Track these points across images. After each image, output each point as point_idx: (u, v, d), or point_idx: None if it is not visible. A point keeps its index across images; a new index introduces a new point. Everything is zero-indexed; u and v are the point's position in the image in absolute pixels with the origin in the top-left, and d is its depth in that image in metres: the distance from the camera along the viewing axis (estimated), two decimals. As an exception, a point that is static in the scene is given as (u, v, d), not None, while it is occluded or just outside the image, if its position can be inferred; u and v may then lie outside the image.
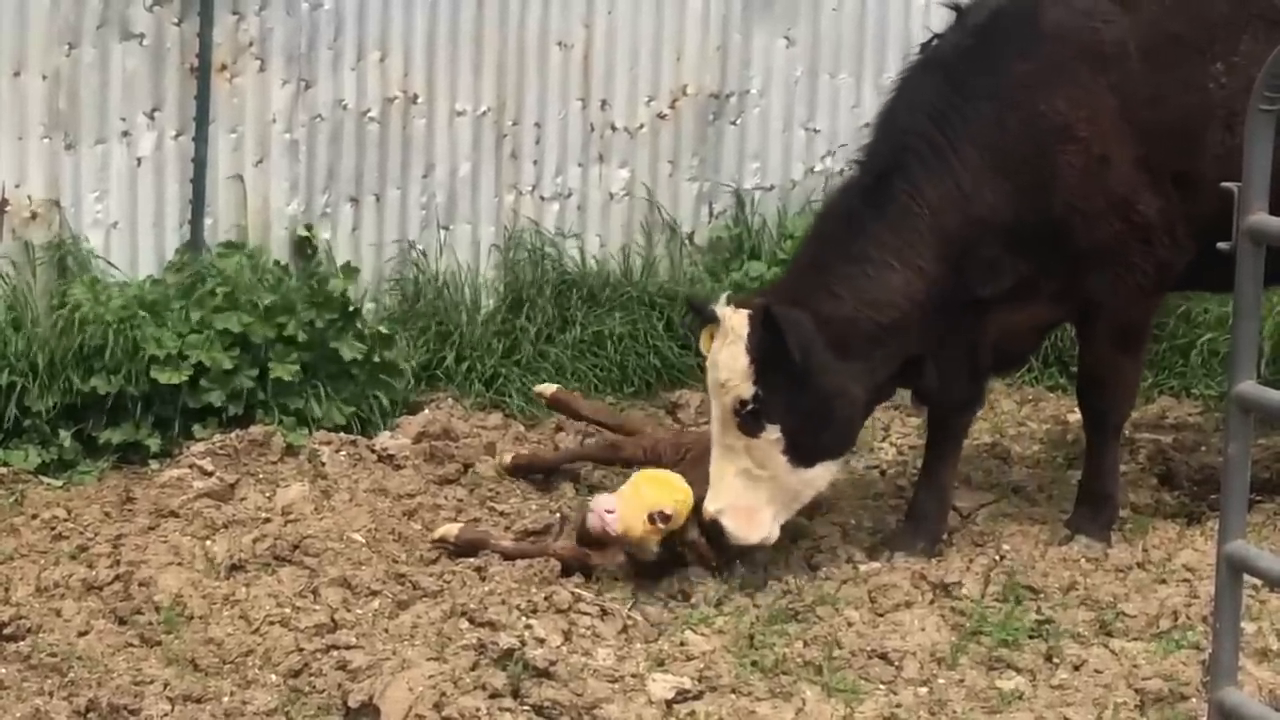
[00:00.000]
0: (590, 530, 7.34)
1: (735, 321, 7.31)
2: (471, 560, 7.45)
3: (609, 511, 7.25)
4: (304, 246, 9.34)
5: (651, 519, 7.23)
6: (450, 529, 7.63)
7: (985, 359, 7.74)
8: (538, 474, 8.38)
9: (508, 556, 7.41)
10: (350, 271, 9.24)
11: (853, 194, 7.63)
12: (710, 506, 7.29)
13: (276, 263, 9.08)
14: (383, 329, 9.00)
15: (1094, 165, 7.50)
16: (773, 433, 7.28)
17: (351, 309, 8.86)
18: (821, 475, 7.45)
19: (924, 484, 7.88)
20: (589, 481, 8.32)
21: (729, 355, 7.28)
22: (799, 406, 7.27)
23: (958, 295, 7.49)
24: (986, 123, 7.48)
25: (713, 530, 7.29)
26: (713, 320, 7.39)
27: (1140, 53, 7.57)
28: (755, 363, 7.23)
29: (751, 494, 7.31)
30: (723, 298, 7.48)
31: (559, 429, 8.95)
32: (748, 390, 7.24)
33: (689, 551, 7.36)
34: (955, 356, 7.65)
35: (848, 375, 7.34)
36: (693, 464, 7.81)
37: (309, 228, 9.34)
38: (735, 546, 7.32)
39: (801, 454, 7.32)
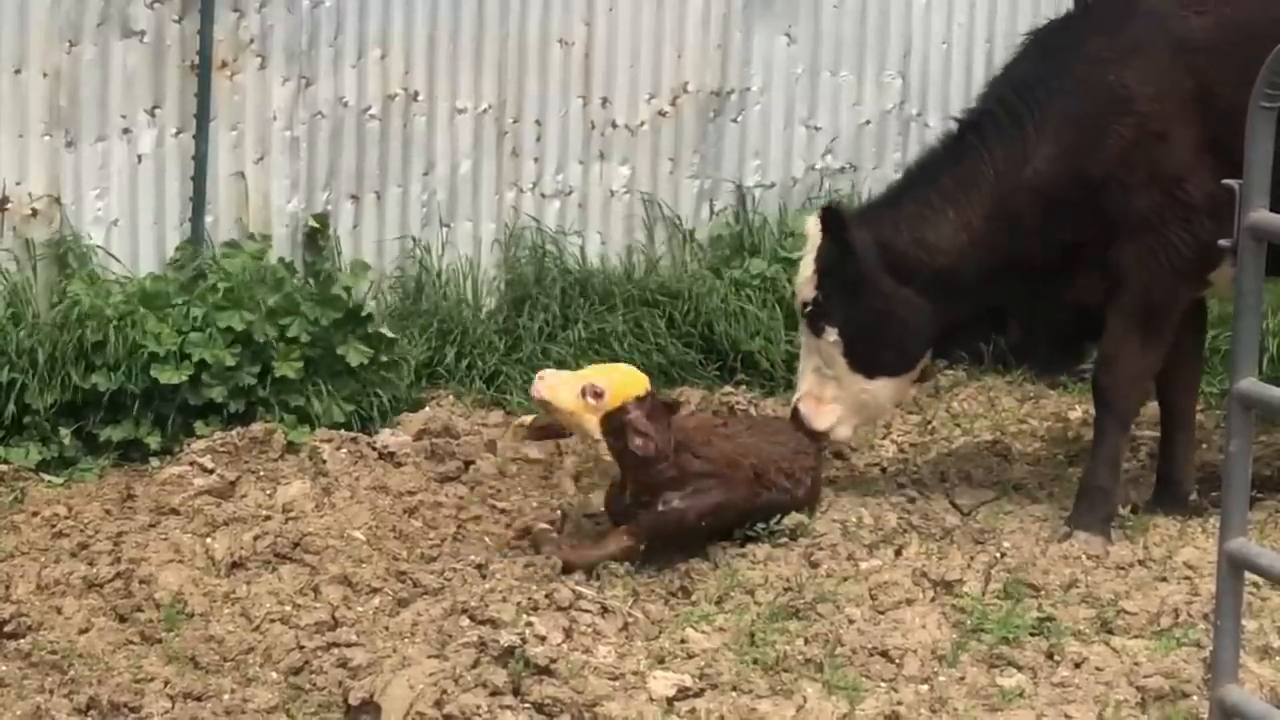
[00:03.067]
0: (531, 395, 7.57)
1: (810, 228, 8.17)
2: (472, 558, 7.45)
3: (541, 377, 7.47)
4: (314, 238, 9.33)
5: (583, 392, 7.34)
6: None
7: (1069, 328, 8.04)
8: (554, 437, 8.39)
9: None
10: (361, 268, 9.24)
11: (940, 145, 8.24)
12: (795, 397, 8.19)
13: (281, 260, 9.08)
14: (385, 331, 8.99)
15: (1146, 140, 7.75)
16: (831, 334, 8.05)
17: (365, 313, 8.86)
18: (882, 388, 8.14)
19: (1092, 457, 8.06)
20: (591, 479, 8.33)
21: (804, 261, 8.17)
22: (853, 315, 8.01)
23: (1022, 256, 7.87)
24: (1063, 93, 7.87)
25: (796, 417, 8.10)
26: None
27: (1238, 39, 7.67)
28: (819, 270, 8.03)
29: (822, 388, 8.10)
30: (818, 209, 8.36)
31: (560, 427, 8.96)
32: (809, 293, 8.09)
33: (626, 432, 7.33)
34: (1043, 320, 8.05)
35: (902, 300, 7.99)
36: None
37: (322, 219, 9.33)
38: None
39: (858, 361, 8.04)
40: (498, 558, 7.48)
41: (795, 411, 8.12)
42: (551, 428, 8.20)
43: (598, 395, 7.36)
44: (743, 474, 7.59)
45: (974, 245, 7.91)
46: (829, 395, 8.09)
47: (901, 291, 7.98)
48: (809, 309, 8.09)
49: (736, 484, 7.56)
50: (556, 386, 7.43)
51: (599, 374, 7.53)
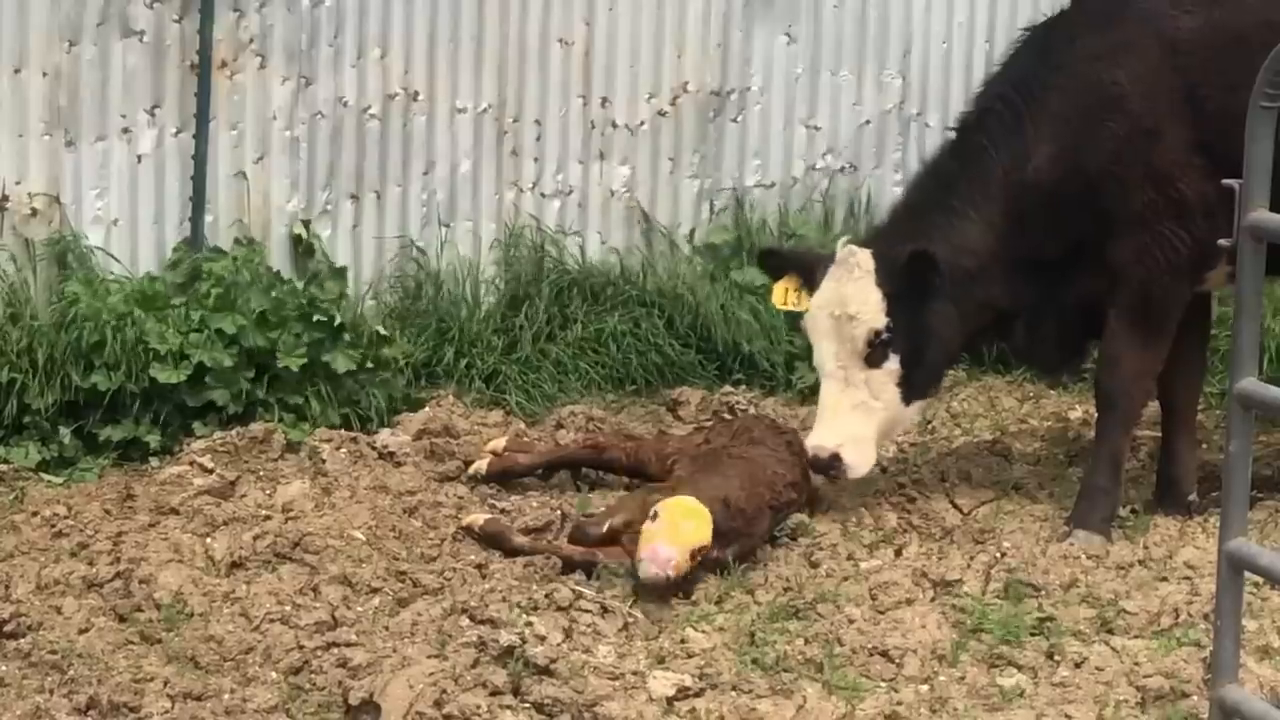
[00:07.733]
0: (648, 581, 6.96)
1: (862, 259, 7.77)
2: (472, 557, 7.44)
3: (669, 560, 6.93)
4: (299, 244, 9.32)
5: (693, 555, 7.02)
6: (476, 518, 7.64)
7: (1073, 325, 8.05)
8: (515, 478, 8.30)
9: (512, 553, 7.41)
10: (338, 273, 9.21)
11: (944, 150, 8.25)
12: (827, 441, 7.76)
13: (268, 269, 9.05)
14: (380, 329, 8.98)
15: (1138, 137, 7.79)
16: (893, 363, 7.79)
17: (338, 324, 8.79)
18: (913, 414, 8.13)
19: (1094, 456, 8.06)
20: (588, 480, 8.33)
21: (858, 289, 7.75)
22: (915, 342, 7.81)
23: (1030, 255, 7.89)
24: (1056, 90, 7.90)
25: (829, 465, 7.74)
26: (793, 268, 8.03)
27: (1227, 41, 7.73)
28: (889, 297, 7.72)
29: (865, 427, 7.79)
30: (842, 240, 8.11)
31: (559, 426, 8.95)
32: (880, 321, 7.74)
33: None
34: (1048, 321, 8.05)
35: (947, 318, 7.87)
36: (686, 473, 7.72)
37: (306, 224, 9.33)
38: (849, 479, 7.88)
39: (910, 388, 7.85)
40: (497, 557, 7.47)
41: (835, 459, 7.74)
42: (509, 471, 8.18)
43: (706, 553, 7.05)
44: (761, 514, 7.52)
45: (999, 244, 7.88)
46: (872, 432, 7.80)
47: (947, 309, 7.84)
48: (880, 338, 7.73)
49: (758, 526, 7.51)
50: (679, 564, 6.93)
51: (698, 531, 6.99)
